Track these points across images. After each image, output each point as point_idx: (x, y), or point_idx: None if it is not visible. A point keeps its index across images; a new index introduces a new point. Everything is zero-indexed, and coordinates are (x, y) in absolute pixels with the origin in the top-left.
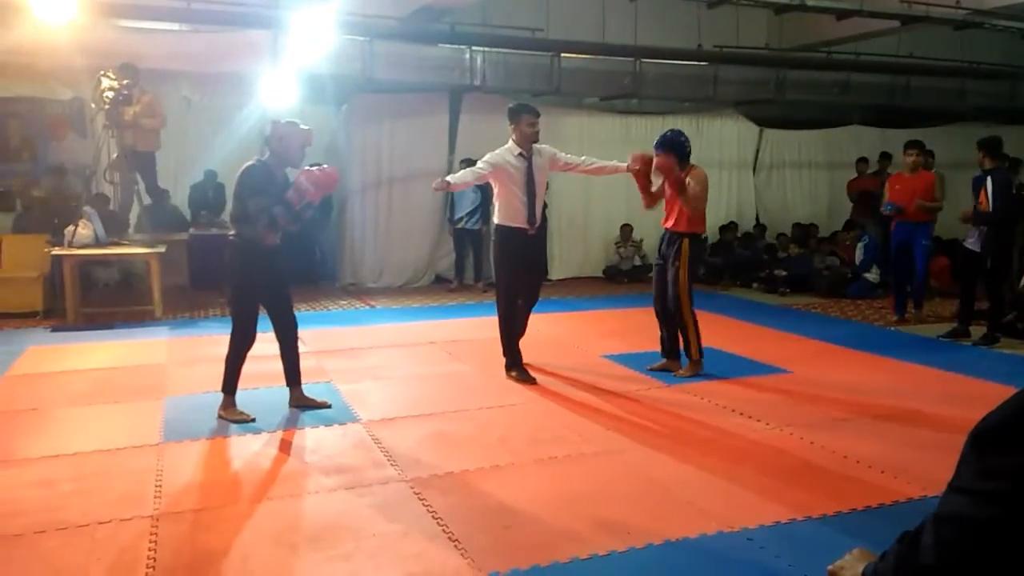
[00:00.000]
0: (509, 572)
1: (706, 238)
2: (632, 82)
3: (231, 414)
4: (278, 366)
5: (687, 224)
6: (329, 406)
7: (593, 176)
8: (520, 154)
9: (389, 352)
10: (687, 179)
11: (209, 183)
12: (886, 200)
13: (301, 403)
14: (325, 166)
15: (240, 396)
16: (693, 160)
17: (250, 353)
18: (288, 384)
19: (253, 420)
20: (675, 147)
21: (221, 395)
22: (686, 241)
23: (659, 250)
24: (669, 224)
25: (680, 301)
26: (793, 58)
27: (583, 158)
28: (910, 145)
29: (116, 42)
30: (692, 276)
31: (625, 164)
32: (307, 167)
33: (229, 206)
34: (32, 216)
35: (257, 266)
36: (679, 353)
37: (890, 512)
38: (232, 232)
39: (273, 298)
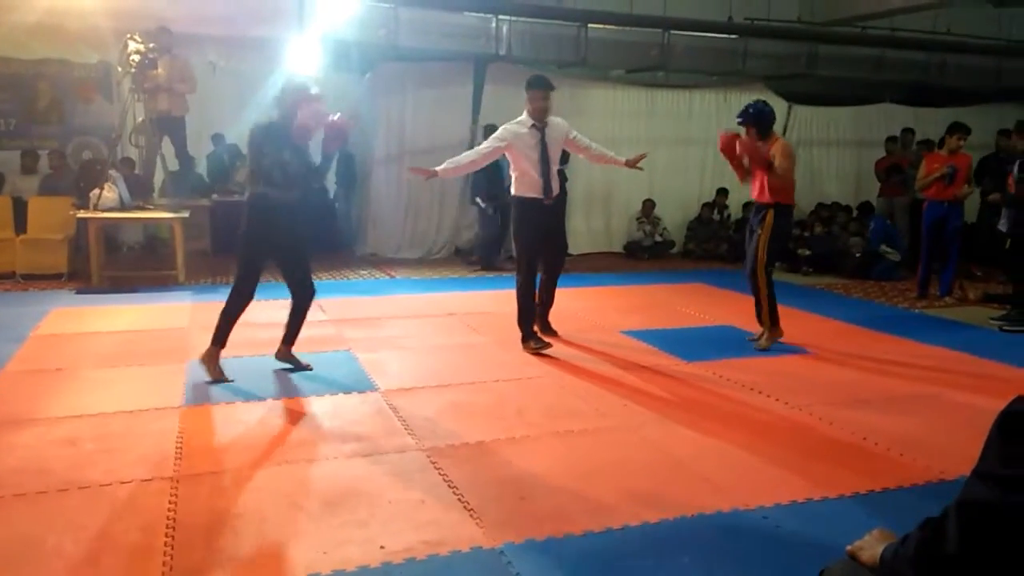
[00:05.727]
0: (524, 542)
1: (791, 209)
2: (660, 54)
3: (211, 368)
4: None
5: (772, 195)
6: (310, 368)
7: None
8: (533, 126)
9: (408, 322)
10: (771, 153)
11: (223, 149)
12: (922, 174)
13: (286, 358)
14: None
15: (258, 362)
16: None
17: (268, 320)
18: (283, 340)
19: (231, 381)
20: (759, 119)
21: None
22: (771, 212)
23: (749, 220)
24: (755, 195)
25: (756, 269)
26: (826, 33)
27: (593, 145)
28: (958, 129)
29: (143, 5)
30: (775, 247)
31: (623, 159)
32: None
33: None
34: (58, 178)
35: (268, 223)
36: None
37: (910, 493)
38: (247, 193)
39: (287, 259)
